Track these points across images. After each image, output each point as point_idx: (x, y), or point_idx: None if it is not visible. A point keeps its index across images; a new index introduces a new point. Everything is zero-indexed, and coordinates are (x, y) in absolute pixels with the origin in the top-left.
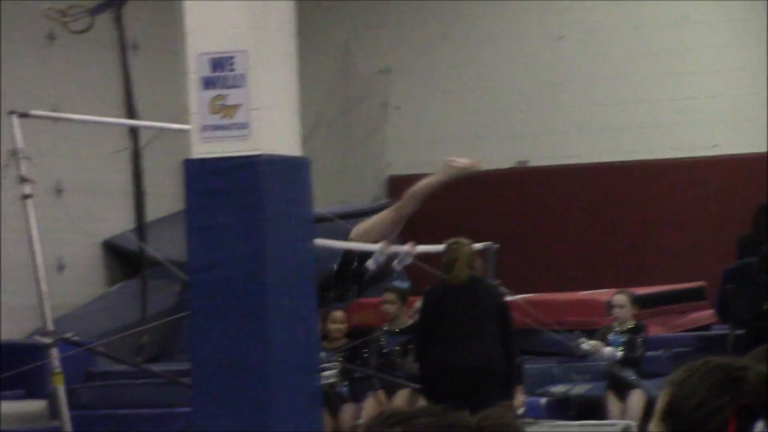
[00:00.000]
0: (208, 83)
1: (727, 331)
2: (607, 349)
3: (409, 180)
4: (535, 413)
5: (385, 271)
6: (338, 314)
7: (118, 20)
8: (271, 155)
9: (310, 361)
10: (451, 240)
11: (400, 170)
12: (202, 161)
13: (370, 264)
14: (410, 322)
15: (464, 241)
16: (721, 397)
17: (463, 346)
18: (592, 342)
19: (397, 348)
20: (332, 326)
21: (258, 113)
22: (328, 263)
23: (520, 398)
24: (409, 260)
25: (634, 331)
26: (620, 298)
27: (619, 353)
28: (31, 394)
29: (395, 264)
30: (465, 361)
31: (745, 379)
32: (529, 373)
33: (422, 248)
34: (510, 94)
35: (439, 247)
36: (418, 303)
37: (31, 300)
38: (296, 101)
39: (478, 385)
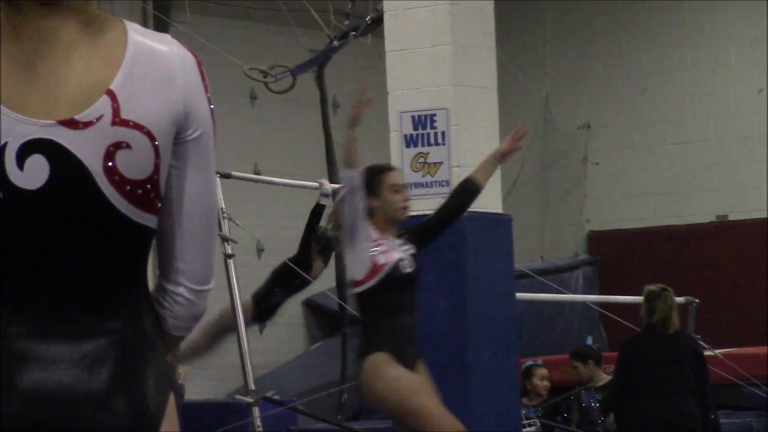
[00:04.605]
0: (409, 141)
1: None
2: None
3: (608, 235)
4: None
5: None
6: (543, 371)
7: (320, 79)
8: (472, 212)
9: (510, 418)
10: (657, 287)
11: (599, 226)
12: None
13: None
14: (608, 378)
15: (669, 288)
16: None
17: (662, 403)
18: None
19: (596, 404)
20: (538, 383)
21: (460, 170)
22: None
23: None
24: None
25: None
26: None
27: None
28: None
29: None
30: (663, 418)
31: None
32: (729, 429)
33: (620, 299)
34: (709, 148)
35: (638, 299)
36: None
37: (232, 359)
38: None
39: None
